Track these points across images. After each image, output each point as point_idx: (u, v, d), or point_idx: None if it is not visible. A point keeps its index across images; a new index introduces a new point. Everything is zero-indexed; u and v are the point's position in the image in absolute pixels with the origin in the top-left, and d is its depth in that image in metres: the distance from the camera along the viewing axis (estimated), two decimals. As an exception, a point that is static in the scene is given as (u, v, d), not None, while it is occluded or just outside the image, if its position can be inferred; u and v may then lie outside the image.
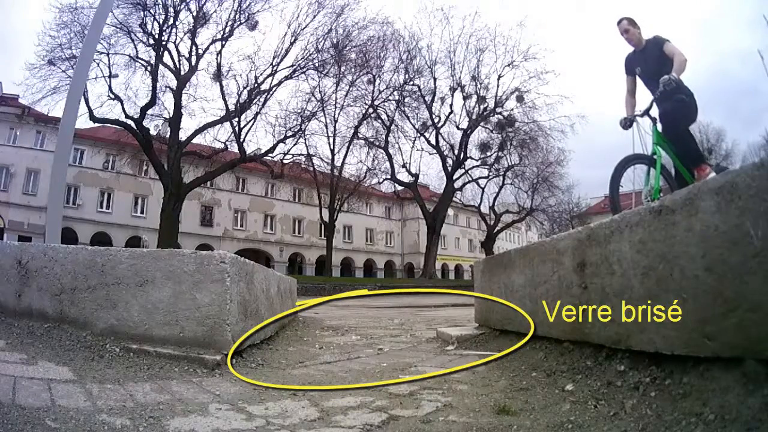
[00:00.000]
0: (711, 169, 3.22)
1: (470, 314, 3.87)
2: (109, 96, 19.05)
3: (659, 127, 3.36)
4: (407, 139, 28.10)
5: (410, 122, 27.62)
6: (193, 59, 20.26)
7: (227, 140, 21.36)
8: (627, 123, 3.55)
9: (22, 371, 1.78)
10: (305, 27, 21.64)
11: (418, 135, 27.88)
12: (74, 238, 22.59)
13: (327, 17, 22.10)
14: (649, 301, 1.40)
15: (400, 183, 29.30)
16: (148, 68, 19.65)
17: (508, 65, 26.72)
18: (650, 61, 3.41)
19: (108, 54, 18.69)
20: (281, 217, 33.41)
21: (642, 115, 3.41)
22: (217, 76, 20.65)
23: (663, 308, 1.33)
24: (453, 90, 27.26)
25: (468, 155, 28.42)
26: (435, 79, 26.95)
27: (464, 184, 30.12)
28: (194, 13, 19.88)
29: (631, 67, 3.58)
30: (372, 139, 27.20)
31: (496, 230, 31.97)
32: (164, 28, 19.47)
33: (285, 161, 23.86)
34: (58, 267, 2.55)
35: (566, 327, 1.93)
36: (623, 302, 1.54)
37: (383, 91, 26.12)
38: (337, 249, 30.36)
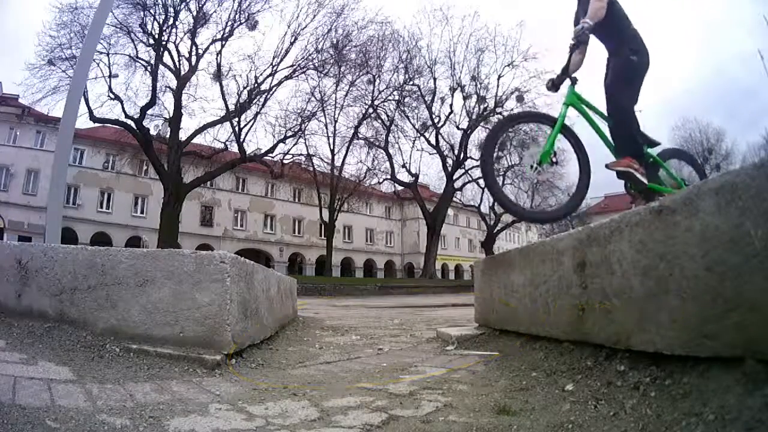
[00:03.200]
0: (640, 167, 2.64)
1: (470, 314, 3.87)
2: (109, 96, 19.06)
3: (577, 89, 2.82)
4: (407, 139, 28.11)
5: (410, 122, 27.64)
6: (193, 59, 20.27)
7: (227, 140, 21.37)
8: (551, 84, 2.97)
9: (22, 371, 1.78)
10: (305, 27, 21.65)
11: (418, 135, 27.90)
12: (74, 238, 22.59)
13: (327, 17, 22.09)
14: (648, 301, 1.40)
15: (400, 183, 29.31)
16: (148, 68, 19.67)
17: (508, 65, 26.73)
18: (584, 5, 2.84)
19: (108, 54, 18.70)
20: (281, 217, 33.41)
21: (562, 76, 2.87)
22: (217, 76, 20.65)
23: (663, 308, 1.33)
24: (453, 90, 27.28)
25: (468, 155, 28.43)
26: (435, 79, 26.95)
27: (464, 184, 30.13)
28: (194, 13, 19.88)
29: (576, 18, 2.94)
30: (372, 139, 27.21)
31: (496, 230, 31.99)
32: (164, 28, 19.48)
33: (285, 161, 23.85)
34: (58, 267, 2.55)
35: (566, 327, 1.93)
36: (623, 302, 1.54)
37: (383, 91, 26.13)
38: (337, 249, 30.36)
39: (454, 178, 28.45)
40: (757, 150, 29.48)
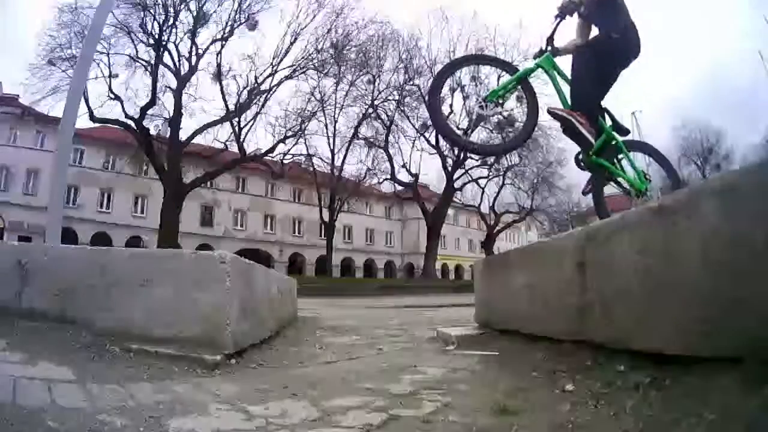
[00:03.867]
0: (586, 123, 2.58)
1: (470, 314, 3.87)
2: (109, 96, 19.10)
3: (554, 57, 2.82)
4: (407, 139, 28.12)
5: (410, 122, 27.64)
6: (193, 59, 20.30)
7: (227, 140, 21.40)
8: (537, 54, 2.91)
9: (22, 371, 1.78)
10: (305, 27, 21.68)
11: (418, 135, 27.91)
12: (74, 238, 22.59)
13: (326, 17, 22.12)
14: (648, 301, 1.40)
15: (400, 183, 29.31)
16: (148, 68, 19.70)
17: (508, 65, 26.69)
18: None
19: (108, 54, 18.75)
20: (281, 217, 33.43)
21: (546, 46, 2.84)
22: (217, 76, 20.67)
23: (663, 308, 1.33)
24: (453, 90, 27.24)
25: (468, 155, 28.42)
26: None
27: (464, 184, 30.14)
28: (194, 13, 19.91)
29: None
30: (372, 139, 27.22)
31: (496, 230, 31.99)
32: (164, 28, 19.51)
33: (285, 161, 23.87)
34: (58, 267, 2.55)
35: (566, 327, 1.93)
36: (623, 302, 1.54)
37: (383, 91, 26.14)
38: (337, 249, 30.36)
39: (454, 178, 28.45)
40: (757, 150, 29.49)
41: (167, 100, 20.61)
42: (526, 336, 2.40)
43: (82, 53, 5.62)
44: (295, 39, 21.59)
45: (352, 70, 24.47)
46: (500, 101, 2.75)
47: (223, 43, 20.56)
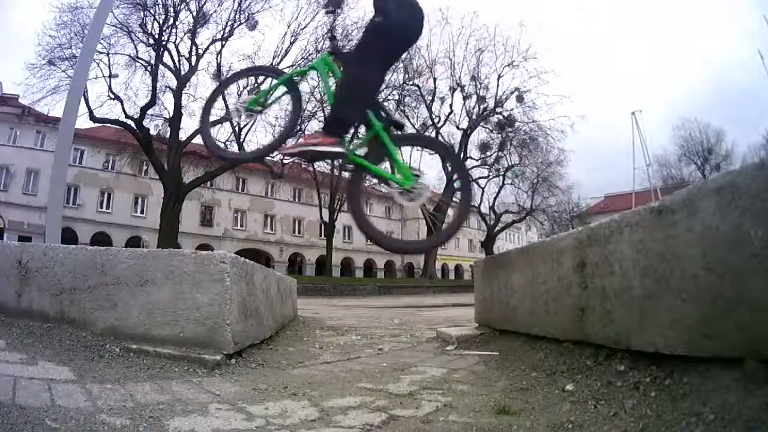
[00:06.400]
0: (326, 139, 2.46)
1: (470, 314, 3.87)
2: (109, 96, 19.07)
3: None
4: (407, 139, 28.06)
5: (410, 122, 27.60)
6: (193, 59, 20.26)
7: (227, 140, 21.35)
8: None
9: (22, 371, 1.78)
10: (305, 27, 21.63)
11: (418, 135, 27.86)
12: (74, 238, 22.59)
13: (326, 17, 22.05)
14: (649, 301, 1.40)
15: (400, 183, 29.22)
16: (148, 68, 19.67)
17: (508, 65, 26.74)
18: None
19: (108, 54, 18.71)
20: (281, 217, 33.41)
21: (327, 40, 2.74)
22: (217, 76, 20.63)
23: (663, 308, 1.33)
24: (453, 90, 27.27)
25: (468, 155, 28.42)
26: (435, 79, 26.94)
27: (464, 184, 30.04)
28: (194, 13, 19.88)
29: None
30: (372, 139, 27.15)
31: (496, 230, 31.98)
32: (164, 28, 19.48)
33: (285, 161, 23.83)
34: (58, 267, 2.55)
35: (566, 327, 1.93)
36: (623, 302, 1.54)
37: (383, 90, 26.11)
38: (337, 249, 30.35)
39: (454, 178, 28.44)
40: (757, 150, 29.50)
41: (167, 100, 20.60)
42: (525, 336, 2.40)
43: (82, 53, 5.62)
44: (295, 39, 21.56)
45: (352, 69, 24.44)
46: (258, 109, 2.78)
47: (223, 43, 20.54)
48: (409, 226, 39.35)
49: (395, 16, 2.43)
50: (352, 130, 2.62)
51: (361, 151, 2.61)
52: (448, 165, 2.83)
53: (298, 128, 23.59)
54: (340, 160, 2.69)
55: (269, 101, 2.78)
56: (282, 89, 2.79)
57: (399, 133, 2.73)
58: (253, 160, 3.39)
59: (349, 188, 2.82)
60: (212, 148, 3.16)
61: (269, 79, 2.87)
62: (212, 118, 3.44)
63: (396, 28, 2.46)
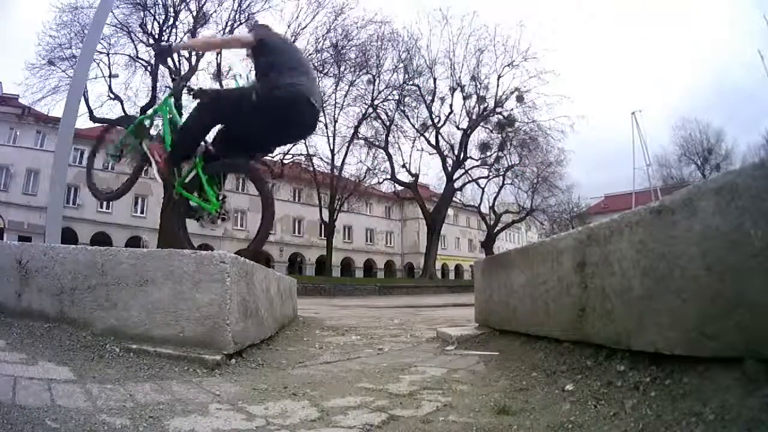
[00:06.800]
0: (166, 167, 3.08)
1: (470, 314, 3.87)
2: (109, 96, 19.11)
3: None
4: (407, 139, 28.16)
5: (410, 122, 27.68)
6: (193, 59, 20.26)
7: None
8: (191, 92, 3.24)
9: (22, 371, 1.78)
10: (305, 27, 21.66)
11: (418, 135, 27.93)
12: (74, 238, 22.59)
13: (326, 17, 22.11)
14: (649, 301, 1.40)
15: (400, 183, 29.31)
16: (148, 68, 19.68)
17: (508, 65, 26.77)
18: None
19: (108, 54, 18.75)
20: (281, 217, 33.40)
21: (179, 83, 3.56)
22: (217, 76, 20.66)
23: (663, 308, 1.33)
24: (453, 90, 27.31)
25: (468, 155, 28.46)
26: (435, 79, 26.99)
27: (464, 184, 30.16)
28: (194, 13, 19.90)
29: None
30: (372, 139, 27.23)
31: (496, 230, 31.98)
32: (164, 28, 19.51)
33: (285, 161, 23.85)
34: (58, 267, 2.55)
35: (566, 327, 1.93)
36: (623, 302, 1.54)
37: (383, 90, 26.16)
38: (337, 249, 30.37)
39: (454, 178, 28.45)
40: (757, 150, 29.51)
41: (167, 100, 20.59)
42: (526, 336, 2.40)
43: (82, 53, 5.61)
44: (295, 39, 21.56)
45: (352, 69, 24.49)
46: (118, 155, 3.44)
47: (223, 43, 20.52)
48: (409, 226, 39.35)
49: (276, 103, 2.82)
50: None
51: (188, 178, 3.17)
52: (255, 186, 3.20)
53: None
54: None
55: (124, 152, 3.36)
56: (131, 138, 3.37)
57: (215, 162, 3.13)
58: (117, 197, 4.01)
59: (177, 209, 3.34)
60: (89, 187, 3.90)
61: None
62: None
63: (270, 113, 2.83)
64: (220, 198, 3.10)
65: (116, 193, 3.86)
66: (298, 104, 2.87)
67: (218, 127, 3.13)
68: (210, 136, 3.15)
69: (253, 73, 3.17)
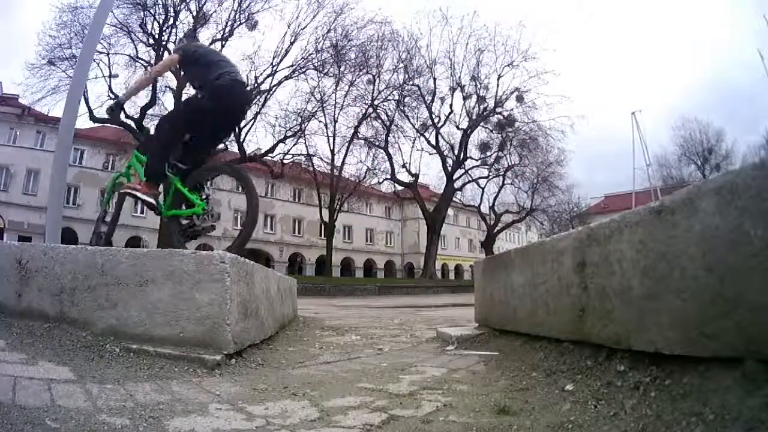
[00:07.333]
0: (144, 189, 3.26)
1: (470, 314, 3.87)
2: (109, 96, 19.09)
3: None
4: (407, 139, 28.15)
5: (410, 122, 27.66)
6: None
7: (227, 140, 21.34)
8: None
9: (22, 371, 1.78)
10: (305, 27, 21.66)
11: (418, 135, 27.92)
12: (74, 238, 22.57)
13: (327, 17, 22.10)
14: (649, 301, 1.40)
15: (400, 183, 29.29)
16: (148, 68, 19.65)
17: (508, 65, 26.77)
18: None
19: (108, 54, 18.75)
20: (281, 217, 33.41)
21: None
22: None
23: (663, 308, 1.33)
24: (453, 90, 27.30)
25: (468, 155, 28.46)
26: (435, 79, 26.98)
27: (464, 184, 30.14)
28: (194, 13, 19.90)
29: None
30: (372, 139, 27.21)
31: (496, 230, 31.98)
32: (164, 28, 19.51)
33: (285, 161, 23.85)
34: (58, 267, 2.55)
35: (566, 327, 1.93)
36: (623, 302, 1.54)
37: (383, 90, 26.14)
38: (337, 249, 30.36)
39: (454, 178, 28.45)
40: (757, 150, 29.51)
41: (167, 100, 20.61)
42: (525, 336, 2.40)
43: (82, 53, 5.61)
44: (295, 39, 21.60)
45: (352, 69, 24.47)
46: (108, 209, 3.84)
47: (223, 43, 20.53)
48: (409, 226, 39.35)
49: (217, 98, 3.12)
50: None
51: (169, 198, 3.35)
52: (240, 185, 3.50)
53: (299, 129, 23.57)
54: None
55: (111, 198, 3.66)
56: (112, 190, 3.66)
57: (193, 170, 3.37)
58: (109, 238, 4.19)
59: (175, 240, 3.47)
60: (93, 232, 4.08)
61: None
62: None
63: (219, 110, 3.16)
64: (203, 197, 3.34)
65: (107, 235, 4.12)
66: (237, 86, 3.27)
67: (180, 142, 3.35)
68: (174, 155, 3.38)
69: (190, 86, 3.51)
